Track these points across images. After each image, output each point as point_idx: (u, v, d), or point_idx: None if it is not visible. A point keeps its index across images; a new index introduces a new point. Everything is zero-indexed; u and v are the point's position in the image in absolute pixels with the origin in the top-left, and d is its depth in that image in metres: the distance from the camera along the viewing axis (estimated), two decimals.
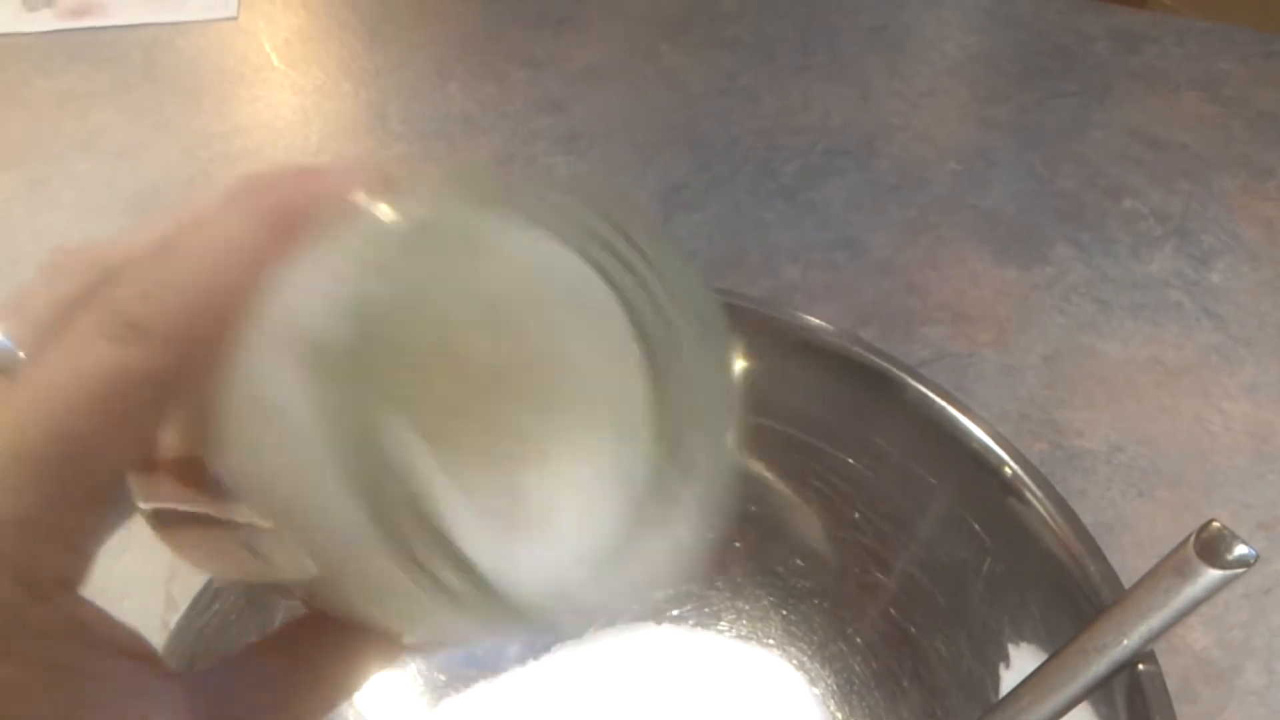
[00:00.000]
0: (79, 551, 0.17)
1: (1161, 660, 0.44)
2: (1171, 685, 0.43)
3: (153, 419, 0.18)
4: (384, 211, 0.16)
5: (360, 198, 0.16)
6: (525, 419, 0.19)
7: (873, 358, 0.38)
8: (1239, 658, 0.44)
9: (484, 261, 0.18)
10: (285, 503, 0.16)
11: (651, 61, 0.77)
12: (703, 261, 0.61)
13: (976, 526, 0.36)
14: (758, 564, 0.42)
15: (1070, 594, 0.33)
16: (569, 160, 0.68)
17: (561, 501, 0.19)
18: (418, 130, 0.71)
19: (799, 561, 0.41)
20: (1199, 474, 0.50)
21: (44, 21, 0.83)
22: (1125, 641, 0.29)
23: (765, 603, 0.42)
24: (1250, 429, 0.52)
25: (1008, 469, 0.35)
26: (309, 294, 0.16)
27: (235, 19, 0.84)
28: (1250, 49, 0.76)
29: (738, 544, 0.42)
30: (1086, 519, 0.48)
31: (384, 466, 0.15)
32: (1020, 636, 0.35)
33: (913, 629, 0.38)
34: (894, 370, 0.37)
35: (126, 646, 0.18)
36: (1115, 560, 0.48)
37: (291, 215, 0.17)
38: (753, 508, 0.42)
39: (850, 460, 0.39)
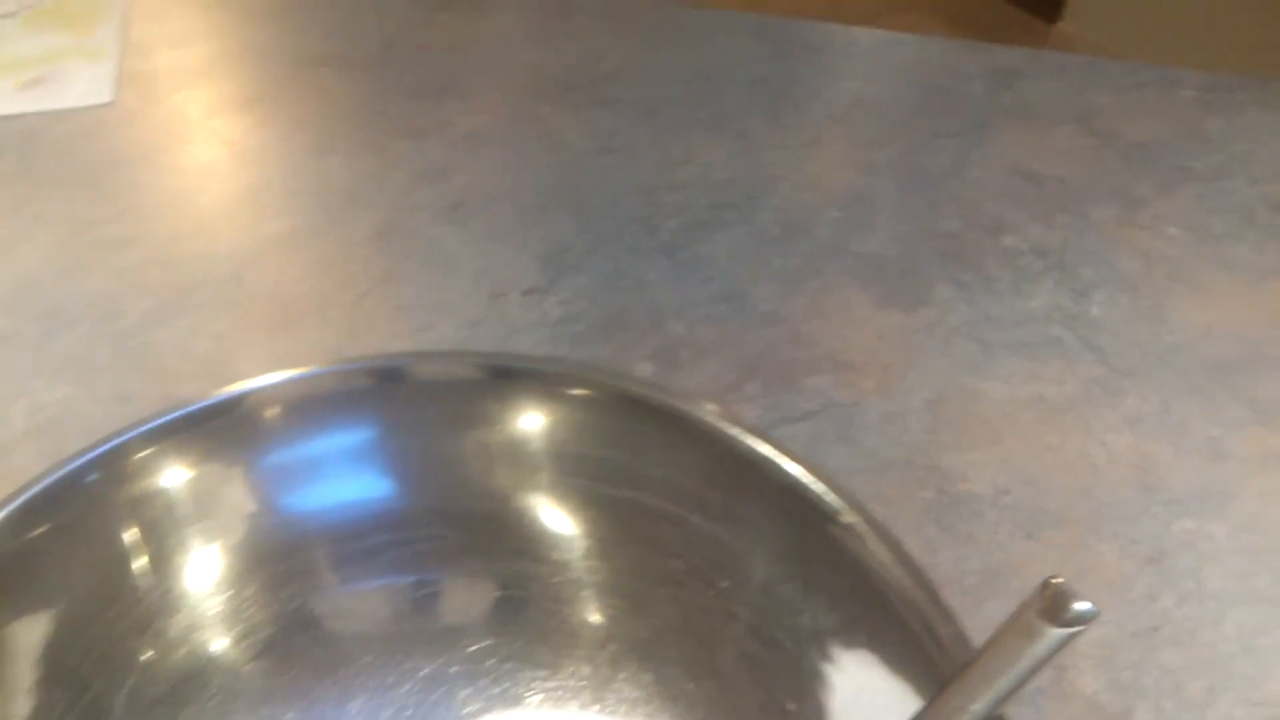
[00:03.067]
0: None
1: (1053, 707, 0.43)
2: None
3: None
4: None
5: None
6: None
7: (709, 419, 0.37)
8: (1130, 699, 0.43)
9: None
10: None
11: (534, 124, 0.77)
12: (588, 323, 0.60)
13: (831, 589, 0.35)
14: (634, 639, 0.41)
15: (928, 658, 0.32)
16: (452, 229, 0.68)
17: None
18: (299, 206, 0.70)
19: (671, 634, 0.40)
20: (1085, 511, 0.50)
21: None
22: (974, 707, 0.28)
23: (641, 678, 0.40)
24: (1134, 461, 0.52)
25: (845, 518, 0.34)
26: None
27: (112, 104, 0.82)
28: (1121, 81, 0.78)
29: (611, 621, 0.41)
30: (975, 564, 0.48)
31: None
32: (887, 704, 0.34)
33: (785, 698, 0.37)
34: (727, 428, 0.37)
35: None
36: (1004, 606, 0.47)
37: None
38: (624, 581, 0.41)
39: (707, 526, 0.38)
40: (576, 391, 0.40)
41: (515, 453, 0.41)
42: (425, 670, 0.42)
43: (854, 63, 0.83)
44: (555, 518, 0.42)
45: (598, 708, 0.41)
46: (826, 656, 0.36)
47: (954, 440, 0.53)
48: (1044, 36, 2.33)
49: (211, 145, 0.77)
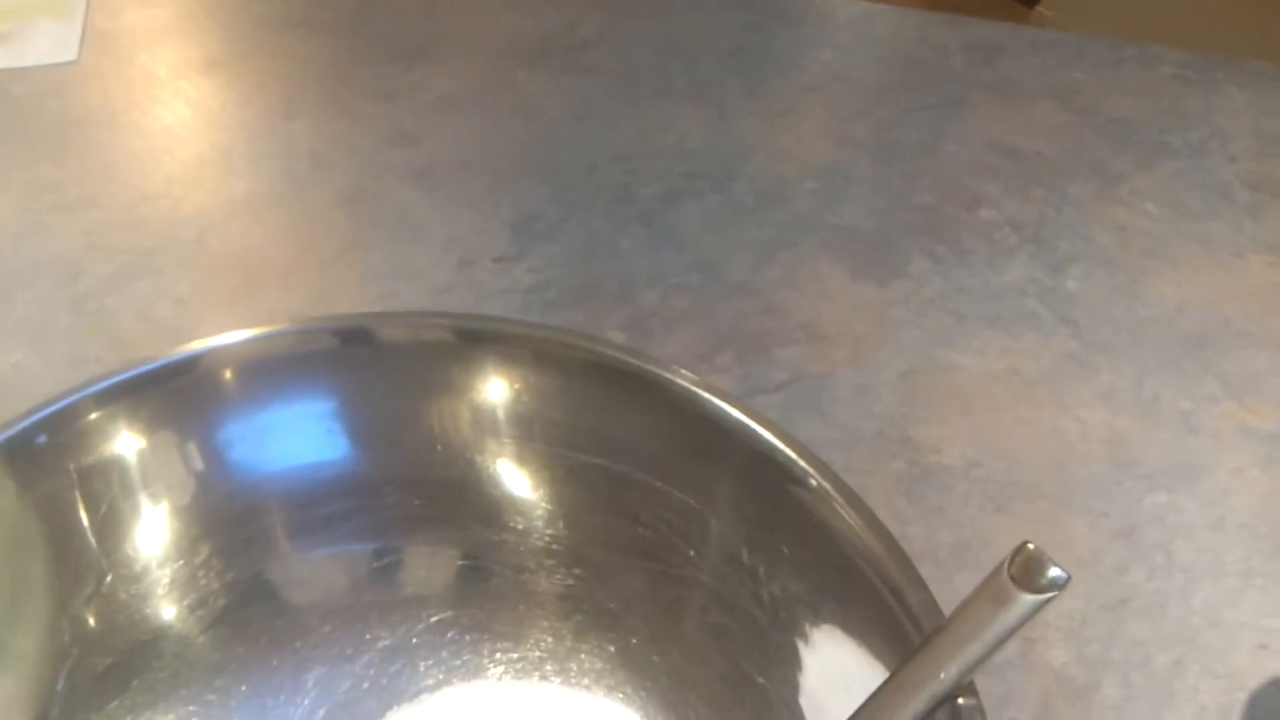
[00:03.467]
0: None
1: (1021, 679, 0.43)
2: (1031, 707, 0.42)
3: None
4: None
5: None
6: None
7: (675, 380, 0.36)
8: (1097, 672, 0.43)
9: None
10: None
11: (508, 90, 0.76)
12: (559, 291, 0.59)
13: (800, 557, 0.34)
14: (599, 609, 0.40)
15: (897, 625, 0.31)
16: (421, 194, 0.66)
17: None
18: (263, 169, 0.69)
19: (638, 604, 0.39)
20: (1057, 485, 0.50)
21: None
22: (943, 675, 0.28)
23: (605, 650, 0.40)
24: (1106, 436, 0.52)
25: (813, 482, 0.34)
26: None
27: (76, 62, 0.81)
28: (1101, 57, 0.77)
29: (576, 590, 0.40)
30: (946, 537, 0.48)
31: None
32: (855, 672, 0.33)
33: (751, 668, 0.36)
34: (699, 392, 0.36)
35: None
36: (973, 579, 0.47)
37: None
38: (591, 550, 0.40)
39: (675, 493, 0.37)
40: (544, 355, 0.39)
41: (481, 417, 0.40)
42: (385, 641, 0.41)
43: (832, 34, 0.82)
44: (521, 485, 0.41)
45: (560, 679, 0.41)
46: (795, 626, 0.35)
47: (926, 413, 0.53)
48: (1023, 19, 2.33)
49: (176, 106, 0.76)
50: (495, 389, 0.39)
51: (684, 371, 0.38)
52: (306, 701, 0.40)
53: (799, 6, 0.85)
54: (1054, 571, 0.28)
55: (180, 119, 0.74)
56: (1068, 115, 0.72)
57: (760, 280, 0.60)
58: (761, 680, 0.36)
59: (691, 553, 0.38)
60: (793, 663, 0.35)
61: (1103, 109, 0.73)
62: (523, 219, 0.64)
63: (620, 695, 0.39)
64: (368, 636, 0.41)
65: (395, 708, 0.41)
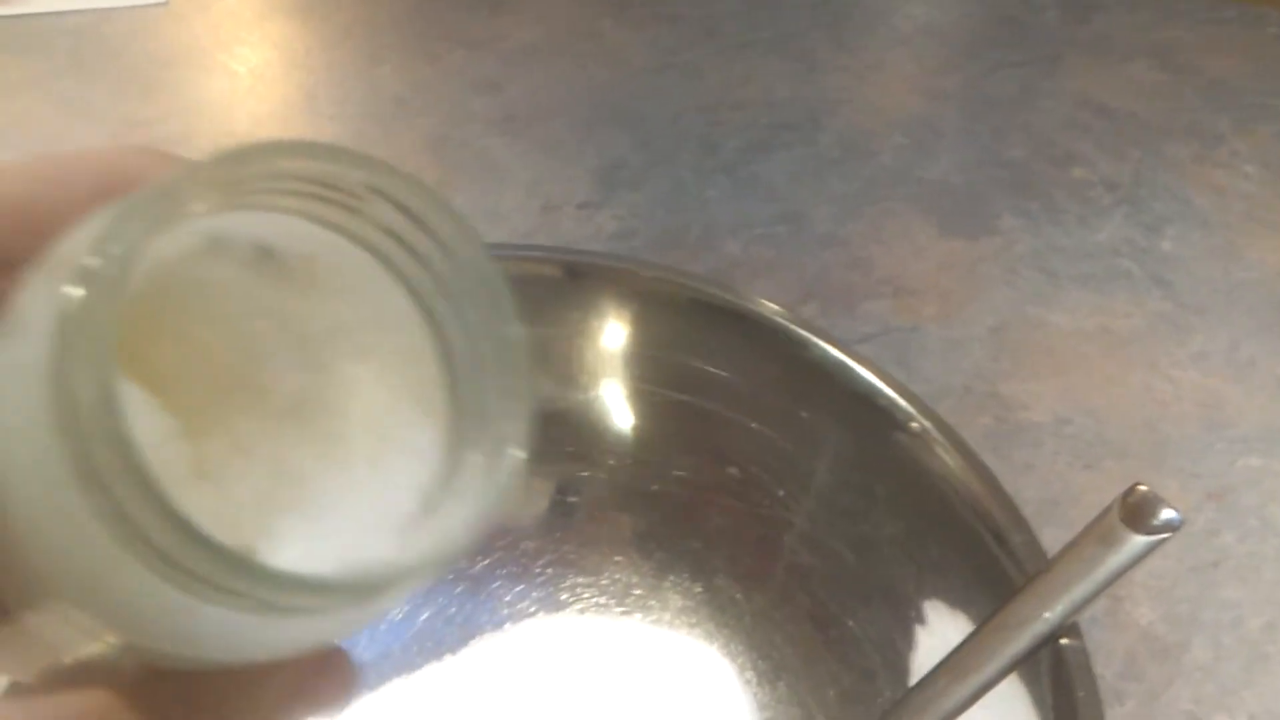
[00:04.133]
0: None
1: (1107, 637, 0.42)
2: (1118, 662, 0.41)
3: None
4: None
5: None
6: (302, 396, 0.17)
7: (782, 322, 0.36)
8: (1186, 632, 0.42)
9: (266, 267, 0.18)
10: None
11: (592, 39, 0.75)
12: (643, 239, 0.59)
13: (896, 497, 0.34)
14: (681, 548, 0.40)
15: (996, 566, 0.31)
16: (505, 141, 0.66)
17: (345, 477, 0.17)
18: (349, 112, 0.69)
19: (722, 543, 0.39)
20: (1147, 445, 0.49)
21: None
22: (1047, 615, 0.27)
23: (690, 588, 0.40)
24: (1199, 398, 0.51)
25: (915, 426, 0.33)
26: (93, 232, 0.14)
27: (166, 4, 0.81)
28: (1200, 16, 0.75)
29: (658, 529, 0.40)
30: (1033, 493, 0.47)
31: (98, 419, 0.13)
32: (948, 612, 0.33)
33: (838, 608, 0.36)
34: (804, 334, 0.36)
35: None
36: (1062, 534, 0.46)
37: (118, 183, 0.17)
38: (674, 489, 0.40)
39: (767, 432, 0.37)
40: (645, 292, 0.38)
41: (578, 352, 0.40)
42: (474, 569, 0.41)
43: None
44: (612, 421, 0.41)
45: (641, 615, 0.41)
46: (888, 567, 0.35)
47: (1015, 369, 0.52)
48: None
49: (263, 48, 0.76)
50: (591, 324, 0.39)
51: (784, 311, 0.37)
52: (384, 628, 0.40)
53: None
54: (1167, 513, 0.27)
55: (266, 61, 0.75)
56: (1164, 74, 0.70)
57: (846, 233, 0.59)
58: (850, 621, 0.36)
59: (781, 492, 0.38)
60: (883, 603, 0.35)
61: (1202, 69, 0.71)
62: (606, 167, 0.64)
63: (701, 633, 0.39)
64: (458, 564, 0.41)
65: (477, 638, 0.41)
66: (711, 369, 0.38)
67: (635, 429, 0.40)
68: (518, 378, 0.17)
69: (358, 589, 0.15)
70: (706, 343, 0.38)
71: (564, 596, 0.41)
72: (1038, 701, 0.29)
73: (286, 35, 0.77)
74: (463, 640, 0.41)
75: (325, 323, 0.18)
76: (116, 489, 0.13)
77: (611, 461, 0.40)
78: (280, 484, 0.17)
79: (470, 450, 0.17)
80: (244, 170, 0.15)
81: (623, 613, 0.41)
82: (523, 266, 0.39)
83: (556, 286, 0.39)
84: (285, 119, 0.69)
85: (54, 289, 0.14)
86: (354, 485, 0.17)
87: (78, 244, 0.14)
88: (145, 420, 0.15)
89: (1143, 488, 0.28)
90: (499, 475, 0.17)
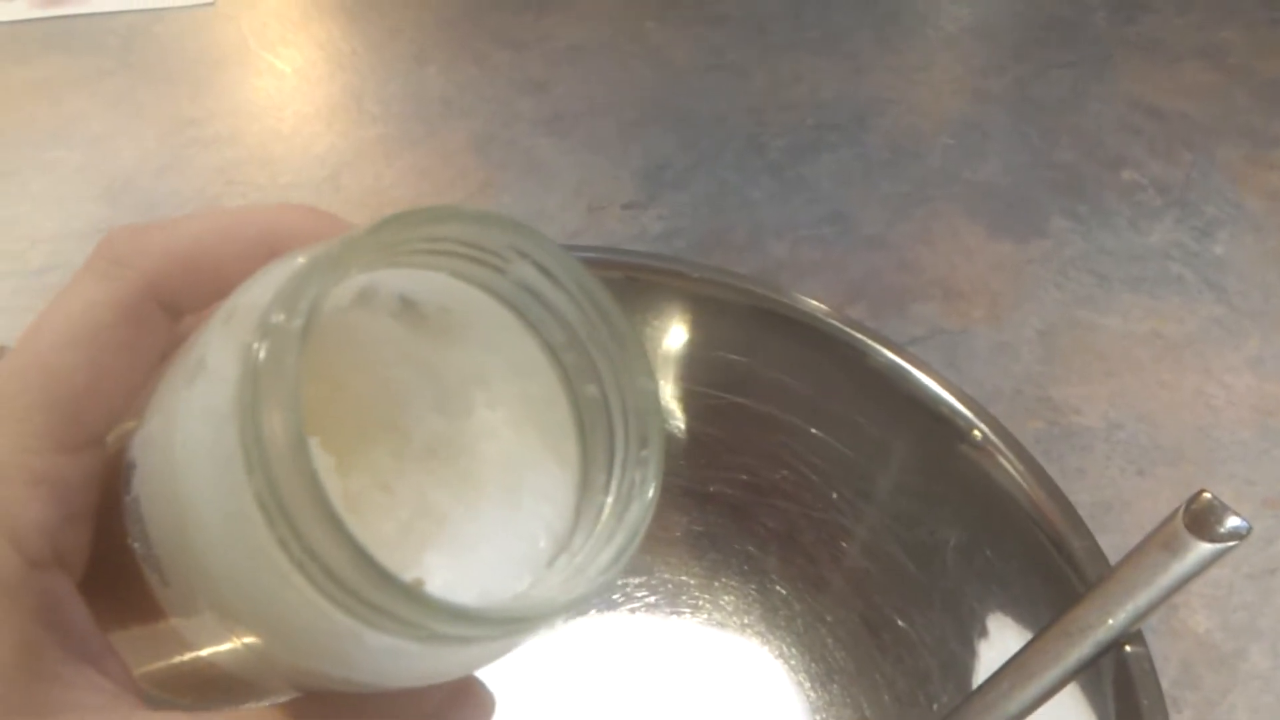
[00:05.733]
0: (66, 505, 0.17)
1: (1163, 645, 0.42)
2: (1173, 670, 0.41)
3: (135, 362, 0.18)
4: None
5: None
6: (440, 440, 0.19)
7: (842, 327, 0.36)
8: (1243, 641, 0.42)
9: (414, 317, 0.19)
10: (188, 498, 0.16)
11: (637, 39, 0.75)
12: (688, 240, 0.59)
13: (954, 502, 0.34)
14: (734, 549, 0.40)
15: (1056, 573, 0.31)
16: (551, 141, 0.67)
17: (480, 516, 0.19)
18: (395, 112, 0.69)
19: (775, 545, 0.39)
20: (1201, 450, 0.48)
21: (18, 10, 0.81)
22: (1110, 621, 0.27)
23: (742, 589, 0.40)
24: (1254, 403, 0.50)
25: (977, 434, 0.33)
26: (278, 288, 0.16)
27: (213, 4, 0.82)
28: (1254, 16, 0.74)
29: (711, 530, 0.40)
30: (1084, 498, 0.46)
31: (290, 459, 0.14)
32: (1005, 618, 0.33)
33: (893, 612, 0.36)
34: (864, 339, 0.35)
35: (103, 665, 0.17)
36: (1115, 540, 0.46)
37: (279, 239, 0.19)
38: (728, 491, 0.40)
39: (822, 436, 0.37)
40: (697, 294, 0.38)
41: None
42: None
43: None
44: (664, 422, 0.41)
45: (692, 615, 0.41)
46: (944, 571, 0.34)
47: (1066, 373, 0.51)
48: None
49: (309, 49, 0.77)
50: (649, 326, 0.39)
51: (841, 315, 0.37)
52: None
53: None
54: (1234, 521, 0.27)
55: (312, 61, 0.76)
56: (1216, 75, 0.69)
57: (894, 235, 0.59)
58: (905, 625, 0.36)
59: (835, 496, 0.38)
60: (940, 608, 0.35)
61: (1254, 70, 0.70)
62: (652, 167, 0.64)
63: (755, 634, 0.39)
64: None
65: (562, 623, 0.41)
66: (768, 372, 0.38)
67: (689, 430, 0.40)
68: (649, 427, 0.19)
69: (512, 621, 0.16)
70: (763, 346, 0.38)
71: (616, 596, 0.41)
72: (1099, 709, 0.29)
73: (332, 36, 0.78)
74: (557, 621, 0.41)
75: (463, 371, 0.19)
76: (302, 521, 0.14)
77: (665, 462, 0.40)
78: (420, 521, 0.18)
79: (603, 495, 0.19)
80: (404, 234, 0.17)
81: (674, 613, 0.41)
82: None
83: (612, 288, 0.39)
84: (331, 120, 0.70)
85: (241, 339, 0.15)
86: (490, 524, 0.19)
87: (258, 298, 0.16)
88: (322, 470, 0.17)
89: (1208, 495, 0.27)
90: (632, 520, 0.18)
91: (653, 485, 0.18)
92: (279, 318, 0.15)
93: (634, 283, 0.38)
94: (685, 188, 0.62)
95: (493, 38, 0.76)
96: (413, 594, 0.15)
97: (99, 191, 0.65)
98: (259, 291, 0.16)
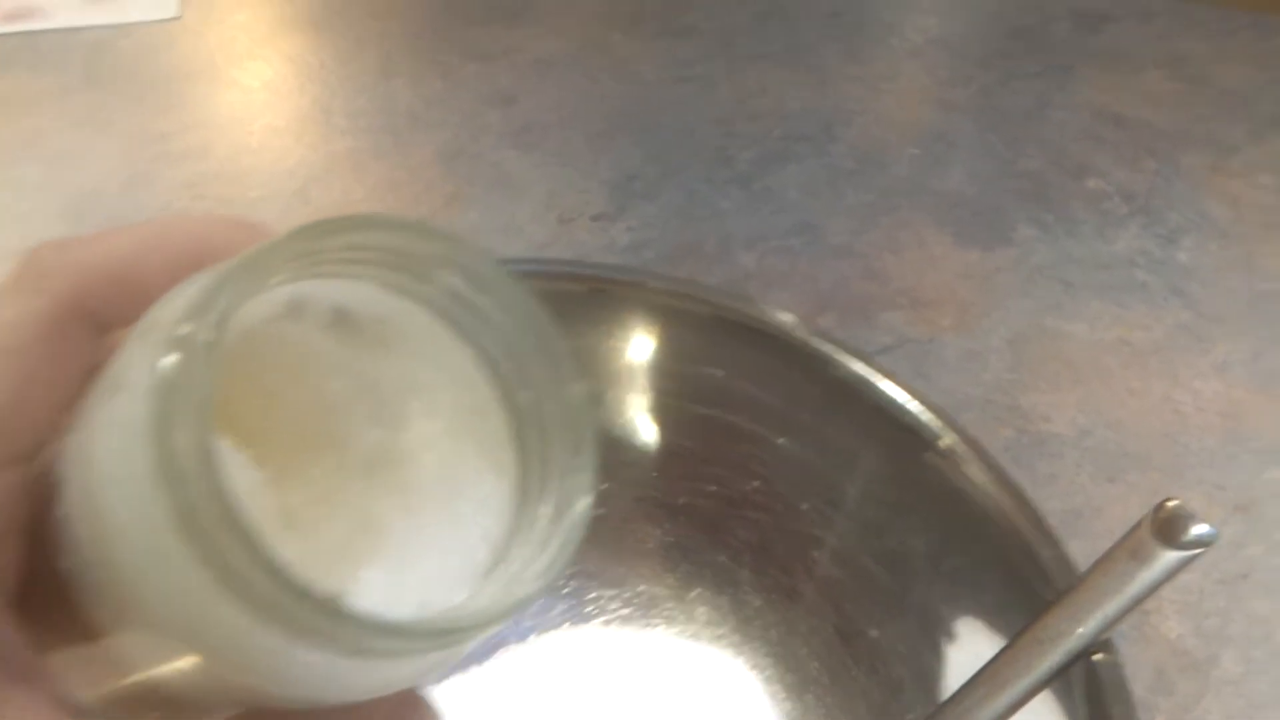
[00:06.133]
0: None
1: (1135, 651, 0.42)
2: (1146, 676, 0.41)
3: (60, 378, 0.18)
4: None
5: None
6: (379, 451, 0.19)
7: (809, 338, 0.36)
8: (1215, 647, 0.42)
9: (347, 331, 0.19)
10: (103, 507, 0.15)
11: (605, 52, 0.75)
12: (657, 251, 0.59)
13: (923, 511, 0.34)
14: (706, 560, 0.40)
15: (1025, 581, 0.31)
16: (519, 153, 0.67)
17: (421, 527, 0.18)
18: (363, 125, 0.69)
19: (748, 556, 0.39)
20: (1170, 456, 0.49)
21: None
22: (1080, 630, 0.27)
23: (716, 600, 0.40)
24: (1222, 409, 0.51)
25: (944, 442, 0.33)
26: (188, 300, 0.15)
27: (179, 18, 0.82)
28: (1213, 27, 0.75)
29: (684, 542, 0.40)
30: (1055, 505, 0.47)
31: (199, 475, 0.14)
32: (976, 627, 0.33)
33: (865, 621, 0.36)
34: (829, 349, 0.36)
35: (35, 684, 0.16)
36: (1085, 546, 0.46)
37: (206, 251, 0.19)
38: (699, 502, 0.40)
39: (792, 446, 0.37)
40: (662, 306, 0.38)
41: (597, 366, 0.40)
42: None
43: (933, 0, 0.81)
44: (632, 433, 0.41)
45: (666, 627, 0.40)
46: (914, 580, 0.34)
47: (1035, 380, 0.52)
48: None
49: (277, 62, 0.76)
50: (618, 338, 0.39)
51: (808, 326, 0.37)
52: None
53: None
54: (1199, 528, 0.27)
55: (280, 75, 0.75)
56: (1178, 85, 0.70)
57: (861, 244, 0.59)
58: (875, 633, 0.36)
59: (805, 506, 0.38)
60: (912, 618, 0.35)
61: (1215, 79, 0.71)
62: (621, 179, 0.64)
63: (728, 645, 0.39)
64: None
65: (502, 650, 0.41)
66: (737, 383, 0.38)
67: (660, 442, 0.40)
68: (581, 433, 0.18)
69: (437, 633, 0.16)
70: (732, 357, 0.38)
71: (589, 609, 0.41)
72: (1071, 718, 0.29)
73: (300, 49, 0.77)
74: (488, 652, 0.41)
75: (399, 381, 0.19)
76: (217, 537, 0.14)
77: (634, 475, 0.40)
78: (361, 533, 0.18)
79: (538, 504, 0.18)
80: (321, 243, 0.16)
81: (648, 625, 0.41)
82: (545, 282, 0.39)
83: (578, 301, 0.39)
84: (300, 133, 0.69)
85: (153, 353, 0.15)
86: (429, 535, 0.18)
87: (173, 311, 0.16)
88: (236, 473, 0.16)
89: (1174, 502, 0.27)
90: (567, 527, 0.18)
91: (585, 493, 0.18)
92: (186, 329, 0.15)
93: (602, 295, 0.38)
94: (654, 199, 0.62)
95: (460, 50, 0.76)
96: (331, 608, 0.15)
97: (63, 207, 0.65)
98: (177, 305, 0.16)
